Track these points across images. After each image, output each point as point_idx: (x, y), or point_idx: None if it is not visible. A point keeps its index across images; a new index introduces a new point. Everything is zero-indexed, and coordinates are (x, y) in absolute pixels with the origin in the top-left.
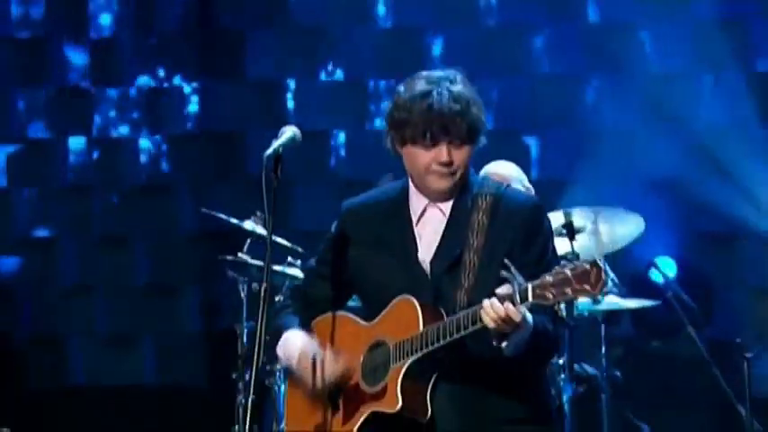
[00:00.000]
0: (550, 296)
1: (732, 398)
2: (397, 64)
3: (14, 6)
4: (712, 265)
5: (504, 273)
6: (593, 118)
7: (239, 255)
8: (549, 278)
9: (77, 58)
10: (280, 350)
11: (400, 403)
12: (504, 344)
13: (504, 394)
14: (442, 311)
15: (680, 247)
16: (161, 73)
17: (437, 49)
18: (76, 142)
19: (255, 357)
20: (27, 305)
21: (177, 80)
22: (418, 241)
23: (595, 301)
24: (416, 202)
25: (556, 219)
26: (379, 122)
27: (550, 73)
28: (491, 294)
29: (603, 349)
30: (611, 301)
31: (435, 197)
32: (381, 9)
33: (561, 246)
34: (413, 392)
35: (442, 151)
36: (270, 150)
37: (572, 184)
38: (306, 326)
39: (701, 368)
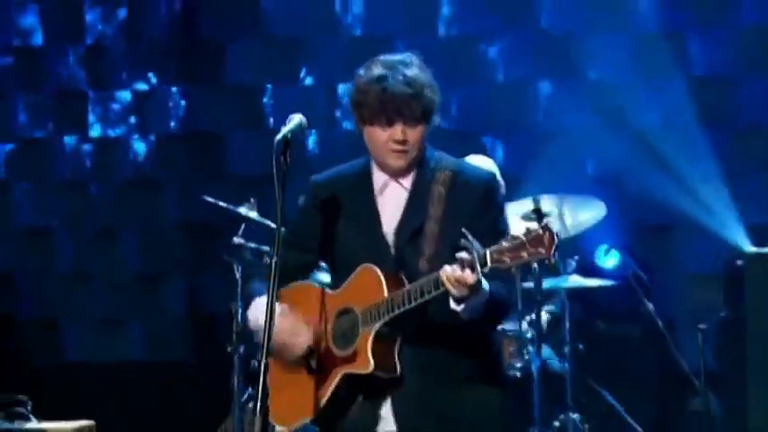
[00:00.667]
0: (507, 260)
1: (685, 367)
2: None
3: (18, 17)
4: (652, 252)
5: (463, 241)
6: (545, 120)
7: (234, 239)
8: (505, 244)
9: (74, 63)
10: (251, 315)
11: (372, 365)
12: (461, 307)
13: (461, 355)
14: (404, 278)
15: (623, 236)
16: (149, 78)
17: None
18: (72, 141)
19: (267, 324)
20: (26, 290)
21: (164, 85)
22: (381, 214)
23: (550, 267)
24: (378, 176)
25: (526, 205)
26: (347, 124)
27: (505, 79)
28: (451, 261)
29: (567, 324)
30: (575, 281)
31: (393, 172)
32: (350, 19)
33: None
34: (382, 354)
35: (397, 131)
36: (279, 136)
37: (527, 180)
38: (265, 287)
39: (653, 342)
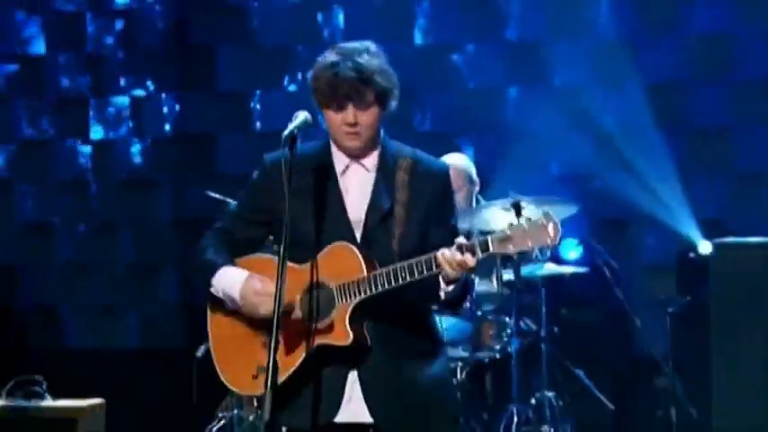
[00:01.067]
0: (511, 246)
1: (652, 349)
2: None
3: (22, 27)
4: (612, 245)
5: (464, 234)
6: (513, 123)
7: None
8: (508, 231)
9: (75, 70)
10: (217, 282)
11: (351, 337)
12: (450, 288)
13: (417, 332)
14: (374, 259)
15: (585, 230)
16: (145, 84)
17: None
18: (73, 143)
19: (277, 300)
20: (29, 280)
21: (159, 91)
22: (344, 195)
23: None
24: (339, 158)
25: (506, 202)
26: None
27: (475, 86)
28: (418, 242)
29: (544, 309)
30: (550, 268)
31: (352, 154)
32: (331, 30)
33: (509, 219)
34: (357, 327)
35: (349, 114)
36: (287, 131)
37: (497, 179)
38: (228, 258)
39: (623, 326)
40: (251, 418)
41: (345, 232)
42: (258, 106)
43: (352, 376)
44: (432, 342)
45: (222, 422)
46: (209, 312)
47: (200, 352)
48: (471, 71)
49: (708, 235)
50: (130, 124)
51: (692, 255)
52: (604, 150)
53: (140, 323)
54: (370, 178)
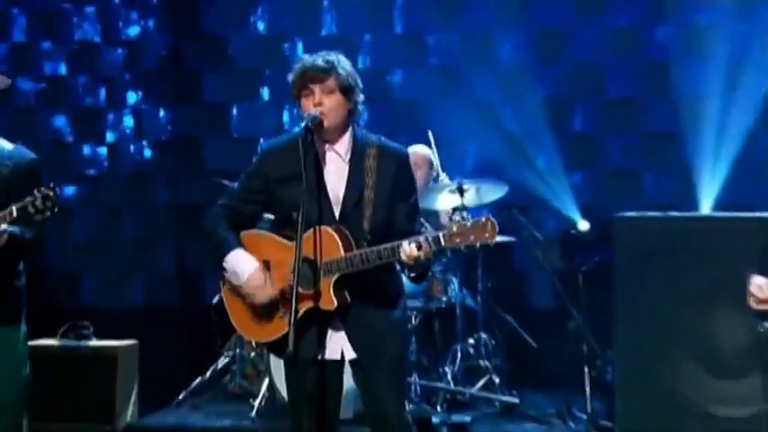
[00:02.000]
0: (458, 240)
1: (569, 303)
2: None
3: (49, 55)
4: (517, 225)
5: (424, 230)
6: (437, 128)
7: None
8: (455, 229)
9: (91, 88)
10: (228, 264)
11: (335, 303)
12: (411, 274)
13: (385, 289)
14: (351, 240)
15: (494, 214)
16: (146, 98)
17: None
18: (90, 145)
19: (296, 268)
20: (55, 253)
21: (156, 104)
22: (326, 180)
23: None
24: (319, 145)
25: (452, 185)
26: (293, 131)
27: (406, 99)
28: (385, 220)
29: (480, 270)
30: None
31: (325, 139)
32: (291, 57)
33: (454, 200)
34: (340, 294)
35: (316, 96)
36: (303, 124)
37: None
38: (236, 236)
39: (543, 283)
40: (252, 354)
41: (326, 211)
42: (235, 115)
43: (335, 325)
44: (396, 295)
45: (227, 359)
46: (224, 277)
47: (214, 300)
48: (402, 90)
49: (585, 216)
50: (135, 130)
51: (573, 231)
52: (510, 150)
53: (142, 287)
54: (344, 166)
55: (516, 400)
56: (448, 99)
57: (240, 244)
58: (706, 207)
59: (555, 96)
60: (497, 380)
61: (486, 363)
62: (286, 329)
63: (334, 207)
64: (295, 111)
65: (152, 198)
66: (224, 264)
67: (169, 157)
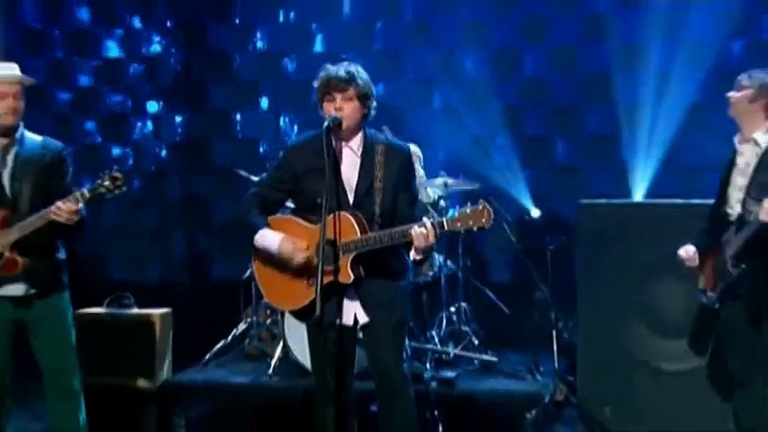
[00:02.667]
0: (459, 225)
1: (535, 276)
2: (301, 103)
3: (79, 68)
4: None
5: (424, 218)
6: (413, 129)
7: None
8: (456, 214)
9: (118, 98)
10: (258, 242)
11: (352, 277)
12: (418, 255)
13: (392, 263)
14: (365, 222)
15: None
16: (162, 107)
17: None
18: (116, 147)
19: (321, 240)
20: (87, 237)
21: (172, 111)
22: (342, 172)
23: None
24: (336, 142)
25: (435, 180)
26: (286, 136)
27: (387, 106)
28: (391, 207)
29: (460, 249)
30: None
31: (341, 137)
32: (285, 71)
33: (433, 192)
34: (356, 269)
35: (337, 102)
36: (325, 124)
37: None
38: (264, 221)
39: (515, 259)
40: (268, 321)
41: (343, 198)
42: (239, 120)
43: (350, 295)
44: (401, 270)
45: (245, 326)
46: (253, 254)
47: (245, 275)
48: (383, 99)
49: (536, 205)
50: (154, 133)
51: (526, 217)
52: (476, 149)
53: (158, 266)
54: (357, 160)
55: (494, 359)
56: (421, 107)
57: (267, 225)
58: (638, 197)
59: (511, 105)
60: (476, 342)
61: (467, 327)
62: (308, 299)
63: (349, 194)
64: (287, 119)
65: (168, 190)
66: (255, 243)
67: (182, 156)
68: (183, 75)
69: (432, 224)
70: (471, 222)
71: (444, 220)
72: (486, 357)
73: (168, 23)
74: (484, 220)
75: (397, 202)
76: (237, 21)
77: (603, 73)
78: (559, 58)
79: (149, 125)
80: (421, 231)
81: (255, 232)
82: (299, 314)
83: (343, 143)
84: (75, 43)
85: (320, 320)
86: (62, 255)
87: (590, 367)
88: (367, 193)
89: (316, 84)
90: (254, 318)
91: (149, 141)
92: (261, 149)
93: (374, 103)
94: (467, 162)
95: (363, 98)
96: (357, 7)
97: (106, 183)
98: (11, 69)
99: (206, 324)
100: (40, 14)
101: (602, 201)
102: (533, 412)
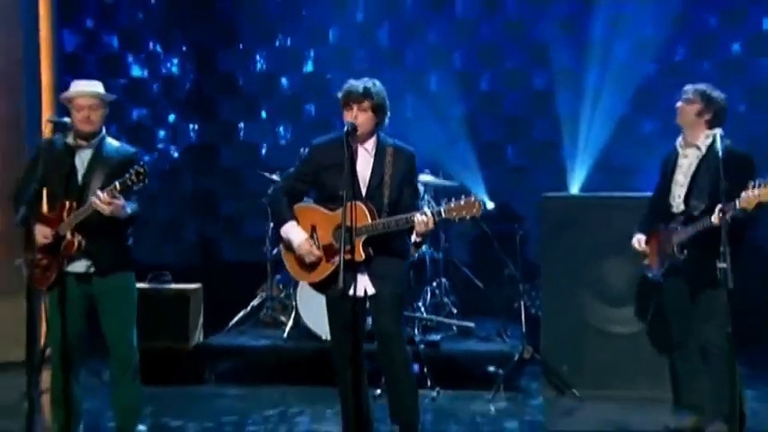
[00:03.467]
0: (454, 214)
1: (504, 257)
2: (294, 114)
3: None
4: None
5: (425, 207)
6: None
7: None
8: (452, 205)
9: (141, 110)
10: (284, 233)
11: (364, 256)
12: (418, 238)
13: (396, 244)
14: (375, 210)
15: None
16: (179, 117)
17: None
18: (139, 150)
19: (343, 230)
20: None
21: (186, 120)
22: (357, 168)
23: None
24: (353, 144)
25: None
26: (282, 140)
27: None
28: (399, 200)
29: (442, 233)
30: None
31: (358, 141)
32: (280, 88)
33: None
34: (366, 250)
35: (354, 113)
36: (345, 128)
37: None
38: (292, 209)
39: (488, 242)
40: (283, 296)
41: (357, 190)
42: (242, 129)
43: (362, 270)
44: (403, 251)
45: (261, 299)
46: (280, 240)
47: (273, 252)
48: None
49: (491, 198)
50: (171, 139)
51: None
52: (439, 154)
53: (172, 252)
54: (370, 159)
55: (471, 325)
56: (395, 118)
57: (293, 216)
58: (574, 192)
59: (470, 115)
60: (455, 311)
61: (447, 299)
62: (327, 274)
63: (362, 187)
64: (282, 127)
65: (181, 187)
66: (281, 232)
67: (194, 159)
68: (196, 91)
69: (431, 213)
70: (464, 212)
71: (442, 209)
72: (464, 324)
73: (183, 48)
74: (475, 210)
75: (402, 194)
76: (241, 46)
77: (547, 91)
78: (511, 79)
79: (167, 133)
80: (422, 219)
81: (283, 223)
82: (320, 287)
83: (359, 145)
84: (106, 65)
85: (343, 292)
86: (129, 241)
87: (551, 331)
88: (378, 187)
89: (339, 95)
90: (269, 292)
91: (167, 146)
92: (262, 153)
93: (388, 113)
94: (435, 163)
95: (377, 109)
96: (342, 35)
97: (132, 177)
98: (92, 87)
99: (215, 299)
100: (78, 42)
101: (562, 194)
102: (504, 368)
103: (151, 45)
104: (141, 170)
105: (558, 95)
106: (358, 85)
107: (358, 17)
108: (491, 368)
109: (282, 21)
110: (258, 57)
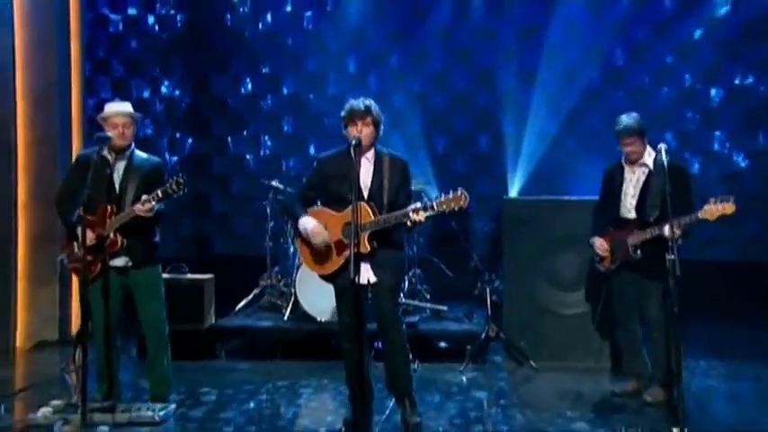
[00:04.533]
0: (444, 207)
1: (470, 250)
2: (275, 130)
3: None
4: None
5: (421, 203)
6: None
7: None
8: (442, 198)
9: (145, 127)
10: (301, 225)
11: (368, 248)
12: (412, 229)
13: (394, 237)
14: (376, 209)
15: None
16: (177, 133)
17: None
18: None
19: (353, 227)
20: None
21: (185, 135)
22: (360, 174)
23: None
24: (356, 155)
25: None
26: (274, 151)
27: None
28: (396, 200)
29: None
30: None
31: (361, 152)
32: (270, 105)
33: None
34: (371, 243)
35: (358, 127)
36: (353, 142)
37: None
38: (305, 209)
39: (455, 239)
40: (282, 284)
41: (362, 194)
42: (230, 143)
43: (366, 261)
44: (401, 241)
45: (262, 287)
46: (296, 235)
47: (291, 249)
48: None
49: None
50: (170, 151)
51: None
52: (415, 152)
53: (171, 244)
54: (370, 167)
55: (444, 308)
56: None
57: (307, 214)
58: (513, 195)
59: (425, 130)
60: (428, 297)
61: (420, 287)
62: (337, 267)
63: (364, 191)
64: (264, 141)
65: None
66: (298, 226)
67: (190, 167)
68: (192, 110)
69: (423, 206)
70: (453, 204)
71: (433, 202)
72: (437, 307)
73: (181, 74)
74: (462, 203)
75: (398, 196)
76: (231, 72)
77: (492, 111)
78: (459, 98)
79: (167, 146)
80: (416, 212)
81: (299, 218)
82: (330, 278)
83: (362, 155)
84: (116, 88)
85: (353, 281)
86: (157, 238)
87: (512, 313)
88: (378, 190)
89: (342, 113)
90: (269, 281)
91: (168, 156)
92: (249, 164)
93: (382, 127)
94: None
95: (376, 124)
96: (318, 63)
97: (173, 186)
98: (123, 107)
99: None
100: (93, 66)
101: (522, 197)
102: (473, 345)
103: (155, 72)
104: (181, 181)
105: (502, 115)
106: (359, 103)
107: (332, 47)
108: (466, 345)
109: (265, 52)
110: (245, 82)
